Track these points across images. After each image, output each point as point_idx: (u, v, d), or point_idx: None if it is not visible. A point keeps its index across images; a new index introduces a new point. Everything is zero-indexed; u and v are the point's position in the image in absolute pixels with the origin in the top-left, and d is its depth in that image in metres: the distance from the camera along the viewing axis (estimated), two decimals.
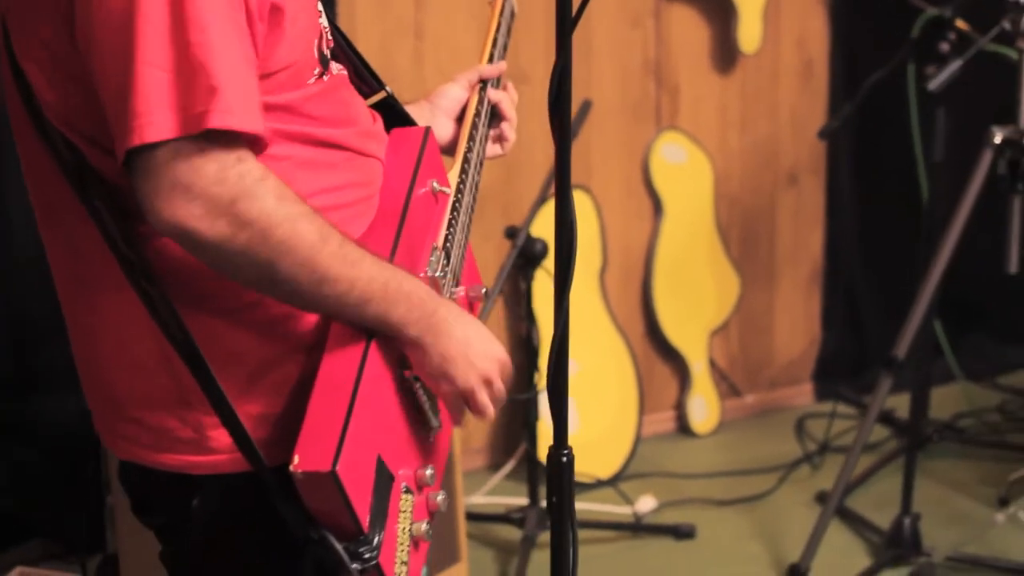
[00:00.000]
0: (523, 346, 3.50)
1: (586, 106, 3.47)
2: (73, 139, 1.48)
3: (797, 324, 4.38)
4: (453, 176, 1.82)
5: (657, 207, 4.06)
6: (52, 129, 1.48)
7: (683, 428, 4.19)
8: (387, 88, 1.80)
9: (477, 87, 1.95)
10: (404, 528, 1.54)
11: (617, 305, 4.01)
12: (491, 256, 3.54)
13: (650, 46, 3.95)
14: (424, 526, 1.57)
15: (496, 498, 3.69)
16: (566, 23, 1.49)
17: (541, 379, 3.38)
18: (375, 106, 1.77)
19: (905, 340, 3.21)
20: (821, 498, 3.62)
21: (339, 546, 1.45)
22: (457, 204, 1.79)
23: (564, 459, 1.61)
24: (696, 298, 4.15)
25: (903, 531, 3.24)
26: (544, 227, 3.47)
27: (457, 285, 1.76)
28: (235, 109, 1.37)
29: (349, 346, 1.51)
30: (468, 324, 1.59)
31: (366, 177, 1.64)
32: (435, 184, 1.74)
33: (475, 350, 1.58)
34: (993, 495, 3.61)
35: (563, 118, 1.52)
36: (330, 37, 1.64)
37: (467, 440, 3.83)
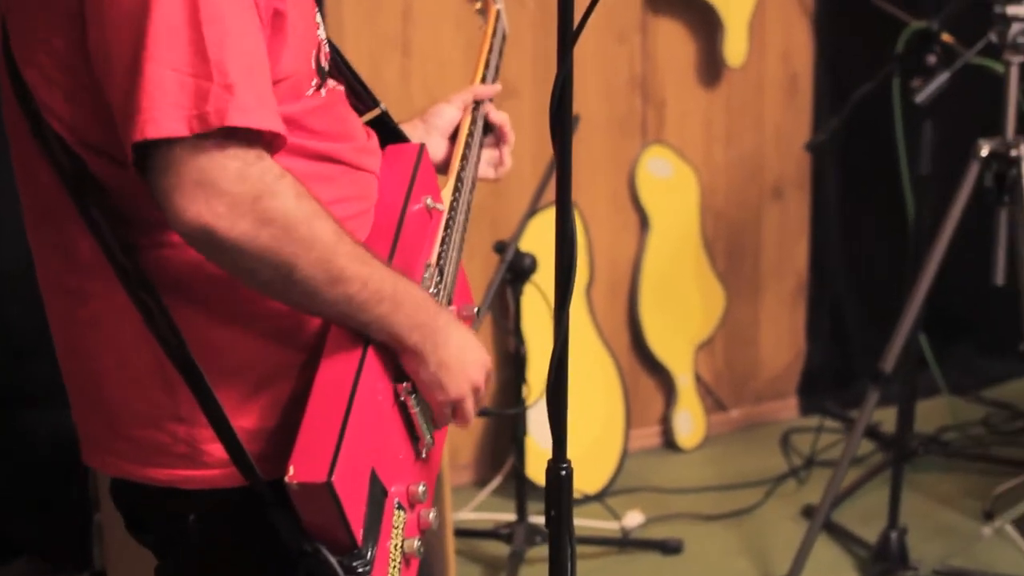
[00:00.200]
0: (511, 361, 3.49)
1: (573, 121, 3.46)
2: (76, 147, 1.46)
3: (782, 338, 4.39)
4: (446, 195, 1.83)
5: (643, 221, 4.06)
6: (51, 134, 1.46)
7: (669, 443, 4.18)
8: (381, 105, 1.80)
9: (471, 107, 1.96)
10: (396, 544, 1.54)
11: (603, 319, 4.01)
12: (479, 271, 3.53)
13: (636, 61, 3.96)
14: (415, 543, 1.57)
15: (484, 514, 3.68)
16: (567, 35, 1.50)
17: (529, 394, 3.38)
18: (369, 123, 1.77)
19: (892, 353, 3.21)
20: (807, 512, 3.62)
21: (333, 559, 1.44)
22: (451, 222, 1.79)
23: (563, 472, 1.62)
24: (682, 312, 4.15)
25: (890, 545, 3.24)
26: (532, 241, 3.47)
27: (450, 303, 1.76)
28: (253, 107, 1.36)
29: (344, 360, 1.51)
30: (462, 332, 1.62)
31: (363, 191, 1.65)
32: (429, 201, 1.74)
33: (468, 358, 1.61)
34: (979, 508, 3.62)
35: (564, 129, 1.53)
36: (327, 50, 1.64)
37: (454, 456, 3.82)
